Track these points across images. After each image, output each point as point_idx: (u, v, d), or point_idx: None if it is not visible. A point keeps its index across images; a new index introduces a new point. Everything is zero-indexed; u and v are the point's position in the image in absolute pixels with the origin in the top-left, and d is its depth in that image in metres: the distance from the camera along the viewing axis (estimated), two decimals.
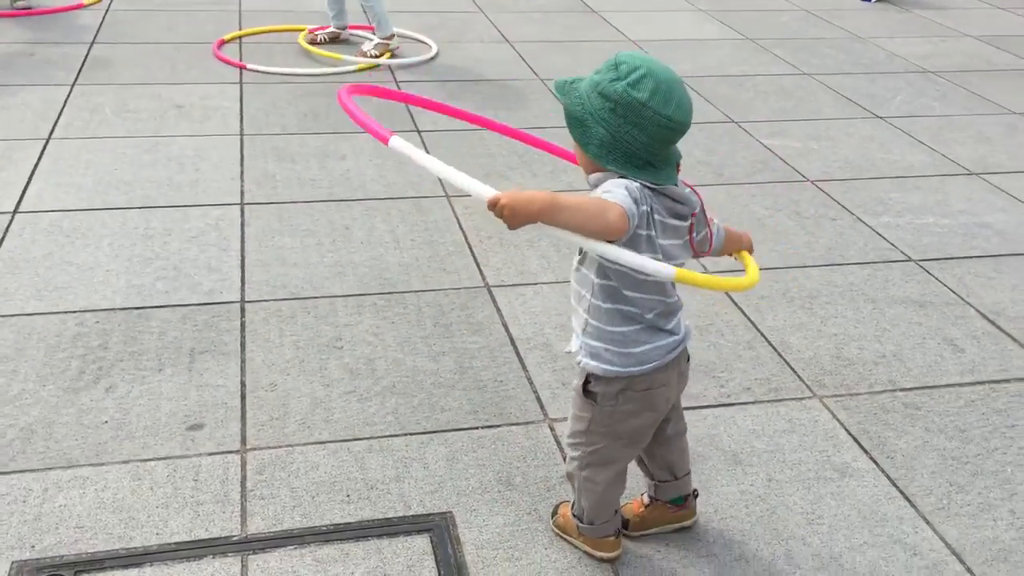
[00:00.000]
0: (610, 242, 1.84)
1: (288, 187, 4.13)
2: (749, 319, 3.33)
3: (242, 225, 3.79)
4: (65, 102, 4.87)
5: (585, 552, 2.33)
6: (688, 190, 1.97)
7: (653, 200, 1.90)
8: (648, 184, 1.88)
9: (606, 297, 2.01)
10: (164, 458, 2.56)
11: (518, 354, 3.08)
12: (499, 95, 5.38)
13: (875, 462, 2.67)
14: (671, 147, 1.93)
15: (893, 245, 3.90)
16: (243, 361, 2.98)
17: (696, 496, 2.41)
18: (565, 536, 2.37)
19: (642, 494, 2.41)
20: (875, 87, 5.86)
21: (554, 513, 2.42)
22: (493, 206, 1.80)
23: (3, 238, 3.57)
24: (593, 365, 2.06)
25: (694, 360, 3.04)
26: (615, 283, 1.99)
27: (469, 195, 1.85)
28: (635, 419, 2.11)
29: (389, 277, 3.49)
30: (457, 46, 6.21)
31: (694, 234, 2.01)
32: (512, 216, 1.79)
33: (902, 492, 2.57)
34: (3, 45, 5.66)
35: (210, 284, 3.38)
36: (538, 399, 2.87)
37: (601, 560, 2.31)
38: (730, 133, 5.01)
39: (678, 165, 1.97)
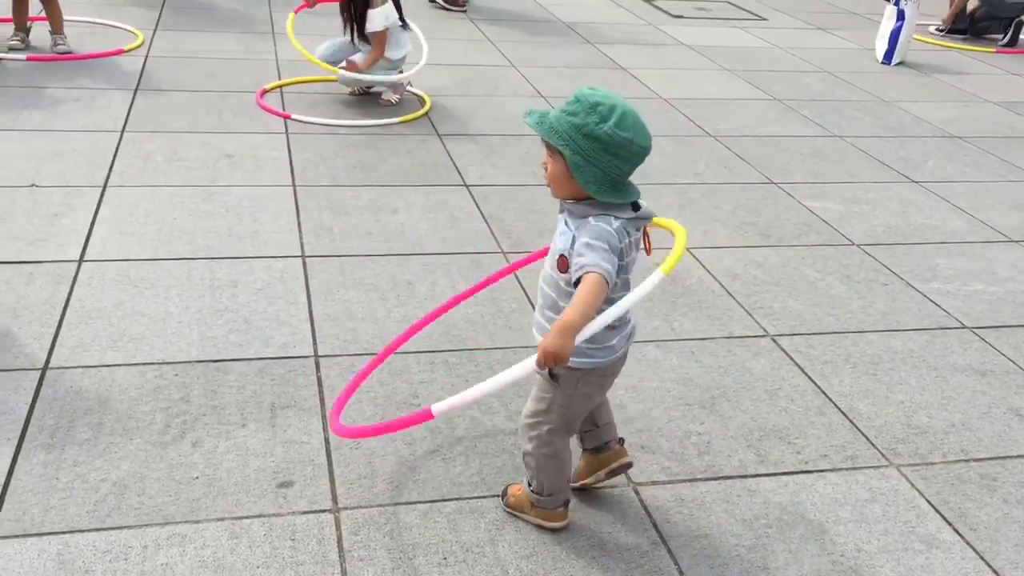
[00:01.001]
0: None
1: (346, 240, 4.17)
2: (816, 383, 3.37)
3: (306, 278, 3.82)
4: (117, 149, 4.91)
5: (538, 525, 2.59)
6: (645, 205, 2.28)
7: (627, 226, 2.22)
8: (624, 216, 2.20)
9: None
10: (258, 516, 2.57)
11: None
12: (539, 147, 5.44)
13: (959, 534, 2.70)
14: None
15: (947, 312, 3.96)
16: (324, 417, 2.99)
17: (622, 442, 2.69)
18: (517, 513, 2.63)
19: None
20: (906, 151, 5.97)
21: (504, 494, 2.67)
22: (544, 360, 2.08)
23: (72, 286, 3.59)
24: (577, 362, 2.31)
25: (767, 423, 3.09)
26: None
27: (523, 372, 2.16)
28: (588, 401, 2.46)
29: (457, 334, 3.52)
30: (492, 100, 6.30)
31: (647, 241, 2.35)
32: (561, 355, 2.08)
33: (990, 565, 2.60)
34: (49, 90, 5.70)
35: (282, 338, 3.40)
36: None
37: (553, 530, 2.58)
38: (771, 194, 5.08)
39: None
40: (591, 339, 2.22)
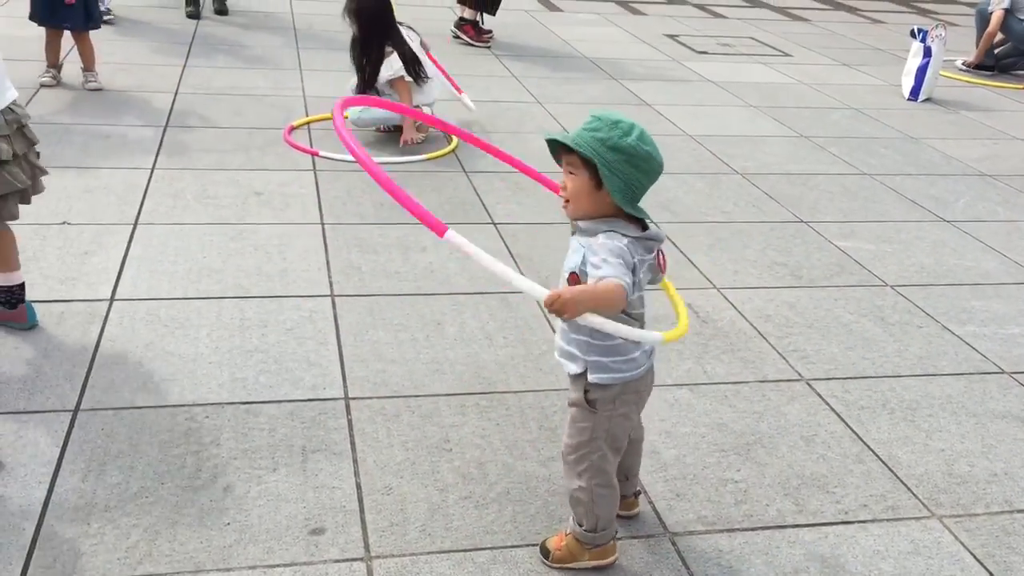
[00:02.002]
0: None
1: (375, 279, 4.16)
2: (852, 430, 3.32)
3: (335, 318, 3.80)
4: (147, 187, 4.93)
5: (594, 568, 2.55)
6: (655, 227, 2.34)
7: (635, 245, 2.25)
8: (631, 234, 2.25)
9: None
10: (290, 564, 2.54)
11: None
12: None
13: None
14: None
15: (984, 356, 3.90)
16: (355, 462, 2.96)
17: (638, 494, 2.78)
18: (571, 566, 2.56)
19: None
20: (936, 189, 5.92)
21: (545, 553, 2.59)
22: (553, 302, 2.11)
23: (103, 326, 3.59)
24: (606, 378, 2.36)
25: (805, 471, 3.04)
26: None
27: (530, 290, 2.19)
28: (627, 420, 2.45)
29: (487, 376, 3.49)
30: (518, 136, 6.31)
31: (661, 259, 2.40)
32: (568, 310, 2.12)
33: None
34: (80, 126, 5.75)
35: (312, 379, 3.38)
36: (655, 510, 2.85)
37: (610, 566, 2.55)
38: (801, 233, 5.04)
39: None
40: (616, 352, 2.34)
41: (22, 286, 3.51)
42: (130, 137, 5.63)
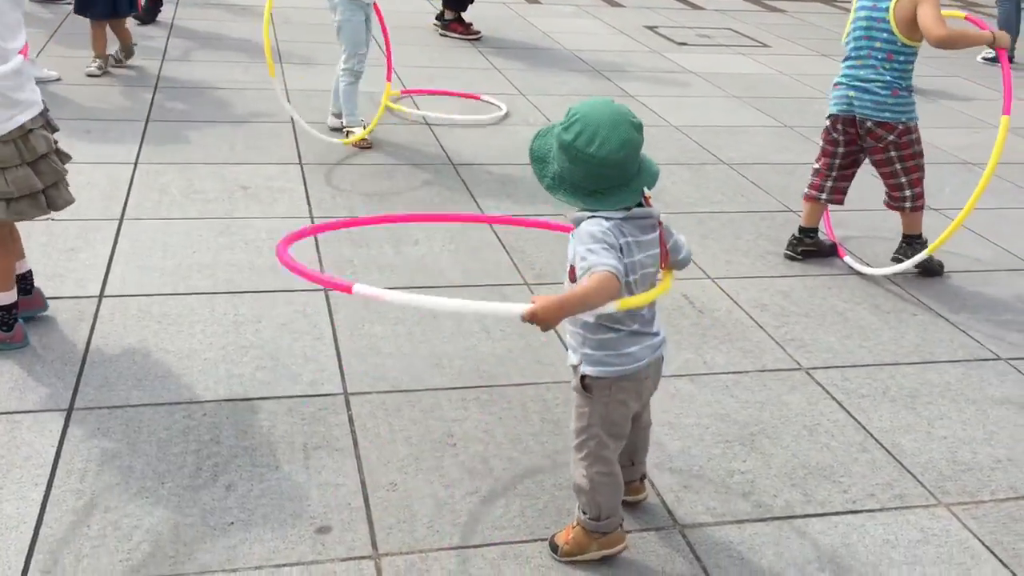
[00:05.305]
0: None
1: (368, 272, 4.10)
2: (855, 419, 3.31)
3: (330, 312, 3.75)
4: (131, 181, 4.85)
5: (603, 557, 2.52)
6: (648, 207, 2.35)
7: (624, 226, 2.28)
8: (616, 216, 2.27)
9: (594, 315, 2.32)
10: (297, 563, 2.49)
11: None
12: None
13: None
14: (616, 177, 2.27)
15: (979, 343, 3.91)
16: (358, 458, 2.92)
17: (643, 478, 2.77)
18: (579, 558, 2.53)
19: None
20: None
21: (554, 548, 2.57)
22: (531, 319, 2.17)
23: (94, 323, 3.52)
24: (598, 370, 2.38)
25: (810, 460, 3.03)
26: None
27: (506, 312, 2.27)
28: (624, 407, 2.44)
29: (487, 369, 3.46)
30: (503, 128, 6.27)
31: (666, 244, 2.41)
32: (548, 321, 2.17)
33: None
34: (59, 121, 5.62)
35: (310, 375, 3.33)
36: (663, 502, 2.83)
37: (618, 554, 2.52)
38: (790, 222, 5.03)
39: (643, 194, 2.34)
40: (607, 346, 2.37)
41: (31, 272, 3.52)
42: (111, 131, 5.53)
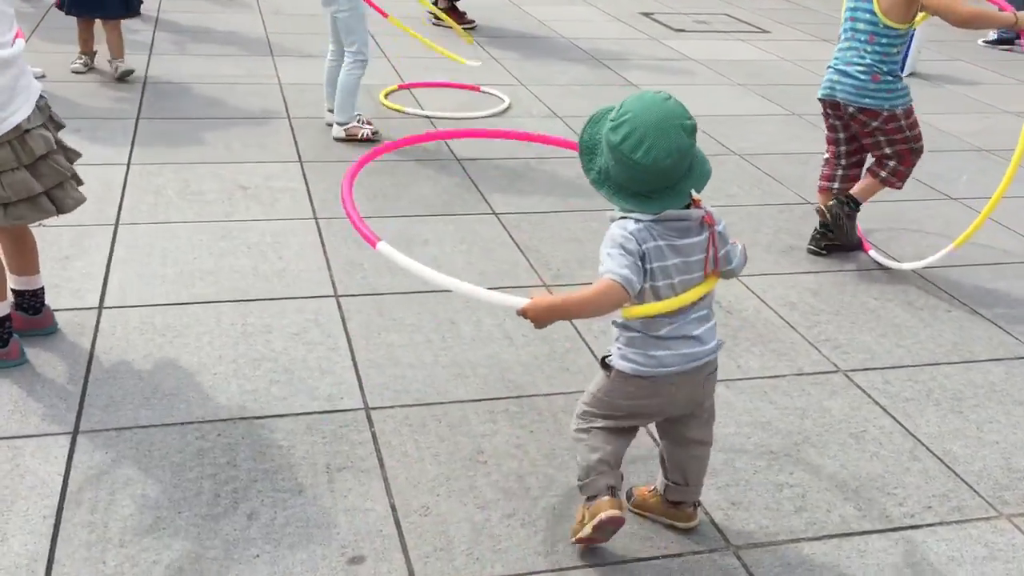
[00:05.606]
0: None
1: (379, 276, 3.92)
2: (901, 424, 3.16)
3: (343, 320, 3.57)
4: (125, 183, 4.64)
5: (595, 528, 2.36)
6: (691, 208, 2.27)
7: (654, 228, 2.23)
8: (645, 217, 2.22)
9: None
10: None
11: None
12: (564, 170, 5.23)
13: None
14: (662, 182, 2.20)
15: (1019, 340, 3.77)
16: (385, 480, 2.74)
17: (696, 506, 2.60)
18: (581, 535, 2.44)
19: (653, 487, 2.63)
20: (938, 166, 5.78)
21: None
22: (523, 315, 2.23)
23: (95, 338, 3.32)
24: (620, 364, 2.37)
25: (860, 471, 2.88)
26: None
27: (502, 303, 2.28)
28: (631, 400, 2.40)
29: (513, 379, 3.28)
30: (506, 120, 6.08)
31: (716, 248, 2.29)
32: (538, 320, 2.24)
33: None
34: None
35: (327, 388, 3.15)
36: (712, 521, 2.67)
37: (607, 523, 2.34)
38: (809, 215, 4.87)
39: (692, 197, 2.27)
40: (634, 344, 2.34)
41: (43, 289, 3.32)
42: (100, 131, 5.31)
